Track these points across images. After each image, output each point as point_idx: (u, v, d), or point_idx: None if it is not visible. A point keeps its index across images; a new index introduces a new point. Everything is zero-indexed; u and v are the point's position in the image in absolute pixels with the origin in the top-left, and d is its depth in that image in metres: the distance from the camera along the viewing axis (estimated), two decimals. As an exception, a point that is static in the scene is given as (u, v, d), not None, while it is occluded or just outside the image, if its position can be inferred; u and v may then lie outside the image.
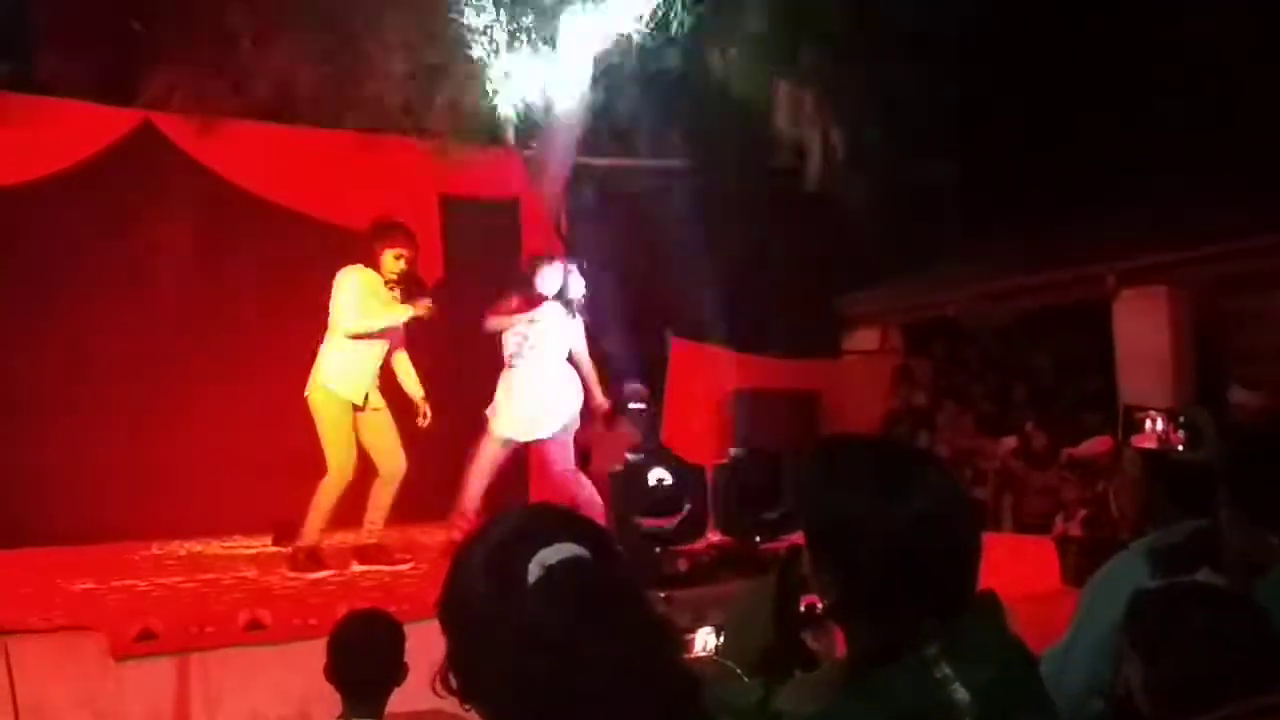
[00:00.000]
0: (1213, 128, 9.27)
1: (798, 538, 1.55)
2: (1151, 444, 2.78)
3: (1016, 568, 6.30)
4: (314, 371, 5.70)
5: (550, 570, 1.12)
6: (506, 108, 8.86)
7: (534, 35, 8.47)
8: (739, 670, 1.62)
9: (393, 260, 5.68)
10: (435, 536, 6.52)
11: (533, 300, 6.04)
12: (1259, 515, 2.10)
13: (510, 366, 6.08)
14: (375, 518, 5.80)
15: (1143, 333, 9.39)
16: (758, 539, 5.42)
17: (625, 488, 5.56)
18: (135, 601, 4.84)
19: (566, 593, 1.11)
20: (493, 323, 6.10)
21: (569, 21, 8.63)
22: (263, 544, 6.65)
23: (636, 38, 8.78)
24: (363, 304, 5.61)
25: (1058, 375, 10.53)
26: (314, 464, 5.69)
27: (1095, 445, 8.19)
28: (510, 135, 9.10)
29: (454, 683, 1.17)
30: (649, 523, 5.08)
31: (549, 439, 6.08)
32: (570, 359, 6.15)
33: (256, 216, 7.74)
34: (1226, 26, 9.10)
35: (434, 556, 6.00)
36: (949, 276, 10.81)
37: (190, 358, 7.45)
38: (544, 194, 9.17)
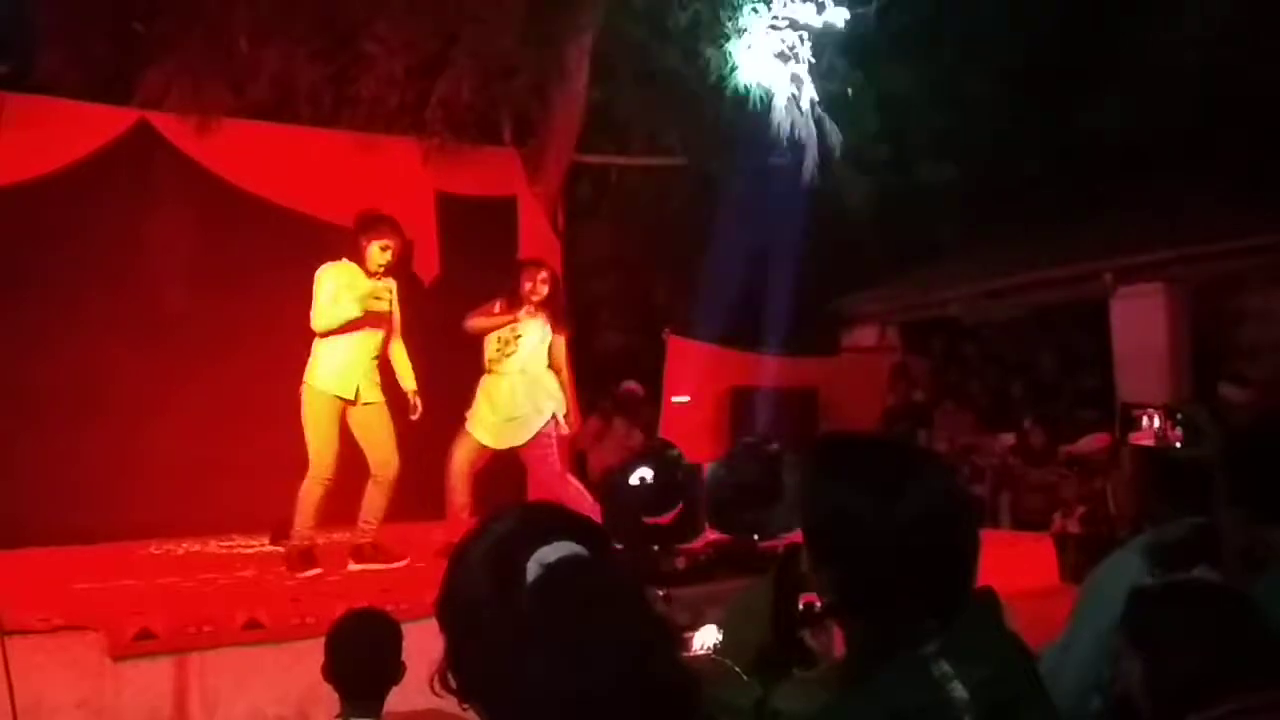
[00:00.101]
0: (1211, 126, 9.28)
1: (796, 536, 1.55)
2: (1149, 441, 2.78)
3: (1014, 565, 6.31)
4: (307, 368, 5.71)
5: (549, 569, 1.12)
6: (503, 105, 8.87)
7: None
8: (738, 668, 1.62)
9: (379, 252, 5.67)
10: (432, 535, 6.52)
11: (516, 306, 6.02)
12: (1257, 512, 2.10)
13: (489, 372, 6.07)
14: (369, 517, 5.79)
15: (1140, 330, 9.40)
16: (755, 537, 5.41)
17: (611, 487, 5.55)
18: (134, 601, 4.83)
19: (565, 591, 1.11)
20: (474, 323, 6.07)
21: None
22: (261, 543, 6.65)
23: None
24: (334, 300, 5.61)
25: (1056, 372, 10.55)
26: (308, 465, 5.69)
27: (1093, 442, 8.20)
28: (507, 133, 9.11)
29: (452, 681, 1.17)
30: (651, 520, 5.07)
31: (526, 445, 6.06)
32: (551, 367, 6.14)
33: (253, 215, 7.74)
34: (1226, 24, 9.11)
35: (431, 555, 6.00)
36: (947, 274, 10.82)
37: (188, 357, 7.45)
38: (541, 192, 9.17)
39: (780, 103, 9.18)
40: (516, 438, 6.05)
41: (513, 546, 1.16)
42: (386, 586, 5.12)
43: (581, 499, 5.95)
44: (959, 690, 1.34)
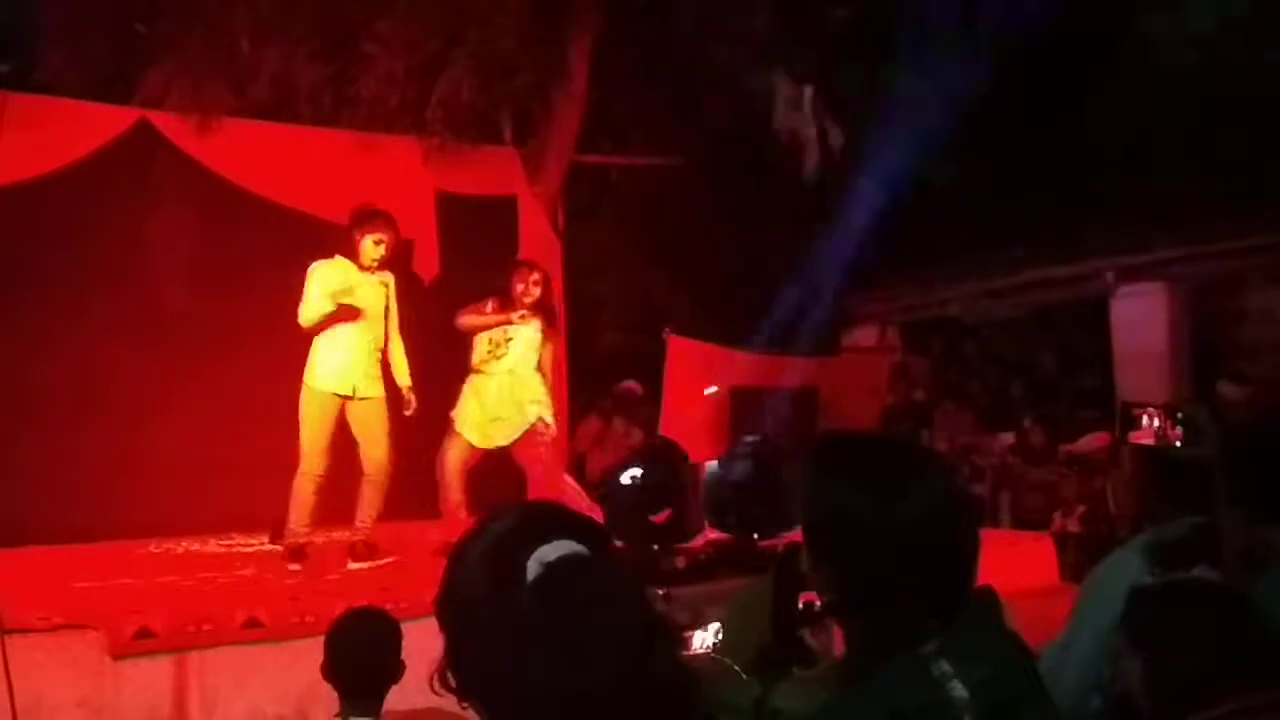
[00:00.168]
0: (1211, 125, 9.28)
1: (796, 535, 1.55)
2: (1149, 440, 2.78)
3: (1014, 564, 6.31)
4: (306, 367, 5.72)
5: (549, 567, 1.12)
6: (504, 105, 8.88)
7: None
8: (737, 667, 1.62)
9: (372, 246, 5.67)
10: (428, 534, 6.52)
11: (509, 307, 6.01)
12: (1257, 511, 2.10)
13: (477, 371, 6.04)
14: (364, 515, 5.78)
15: (1140, 330, 9.41)
16: (755, 536, 5.41)
17: (609, 486, 5.57)
18: (133, 600, 4.83)
19: (565, 590, 1.11)
20: (465, 321, 6.05)
21: None
22: (260, 542, 6.64)
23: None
24: (320, 297, 5.61)
25: (1056, 372, 10.55)
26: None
27: (1093, 441, 8.21)
28: (507, 133, 9.11)
29: (452, 680, 1.17)
30: (649, 519, 5.07)
31: (516, 444, 6.06)
32: (539, 370, 6.13)
33: (254, 215, 7.74)
34: (1226, 23, 9.11)
35: (429, 554, 6.00)
36: (947, 274, 10.82)
37: (188, 356, 7.45)
38: (541, 192, 9.17)
39: (780, 102, 9.20)
40: (503, 437, 6.04)
41: (512, 545, 1.16)
42: (386, 585, 5.12)
43: (579, 498, 5.96)
44: (959, 689, 1.34)
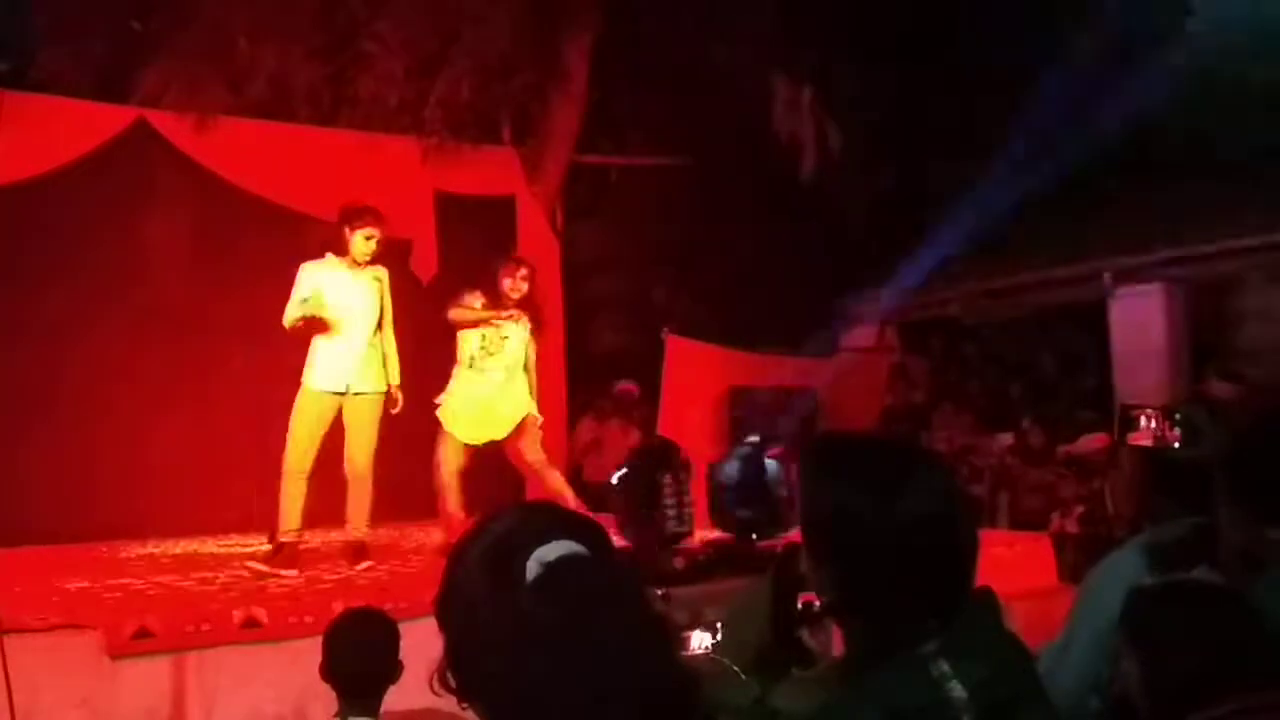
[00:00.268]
0: (1211, 125, 9.28)
1: (794, 535, 1.55)
2: (1147, 441, 2.78)
3: (1013, 565, 6.31)
4: (305, 369, 5.72)
5: (548, 567, 1.12)
6: (502, 105, 8.88)
7: None
8: (736, 668, 1.62)
9: (363, 241, 5.66)
10: (428, 535, 6.52)
11: (500, 303, 5.99)
12: (1256, 511, 2.10)
13: (469, 367, 6.01)
14: (352, 516, 5.75)
15: (1139, 330, 9.41)
16: (754, 536, 5.41)
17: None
18: (131, 600, 4.83)
19: (565, 590, 1.11)
20: (456, 315, 5.99)
21: None
22: (259, 543, 6.62)
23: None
24: (294, 302, 5.61)
25: (1054, 373, 10.55)
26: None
27: (1091, 442, 8.21)
28: (506, 133, 9.12)
29: (452, 681, 1.16)
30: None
31: (507, 439, 6.05)
32: (525, 367, 6.13)
33: (251, 214, 7.74)
34: (1224, 23, 9.11)
35: (429, 554, 6.00)
36: (946, 274, 10.81)
37: (186, 356, 7.45)
38: (540, 192, 9.17)
39: (779, 103, 9.20)
40: (497, 433, 6.04)
41: (512, 545, 1.16)
42: (384, 586, 5.12)
43: (564, 492, 5.97)
44: (958, 690, 1.34)
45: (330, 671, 2.83)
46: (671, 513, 4.45)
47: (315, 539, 6.58)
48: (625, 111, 9.65)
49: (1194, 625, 1.81)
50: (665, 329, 9.54)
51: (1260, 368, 8.61)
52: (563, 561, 1.13)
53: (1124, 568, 2.38)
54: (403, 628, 2.94)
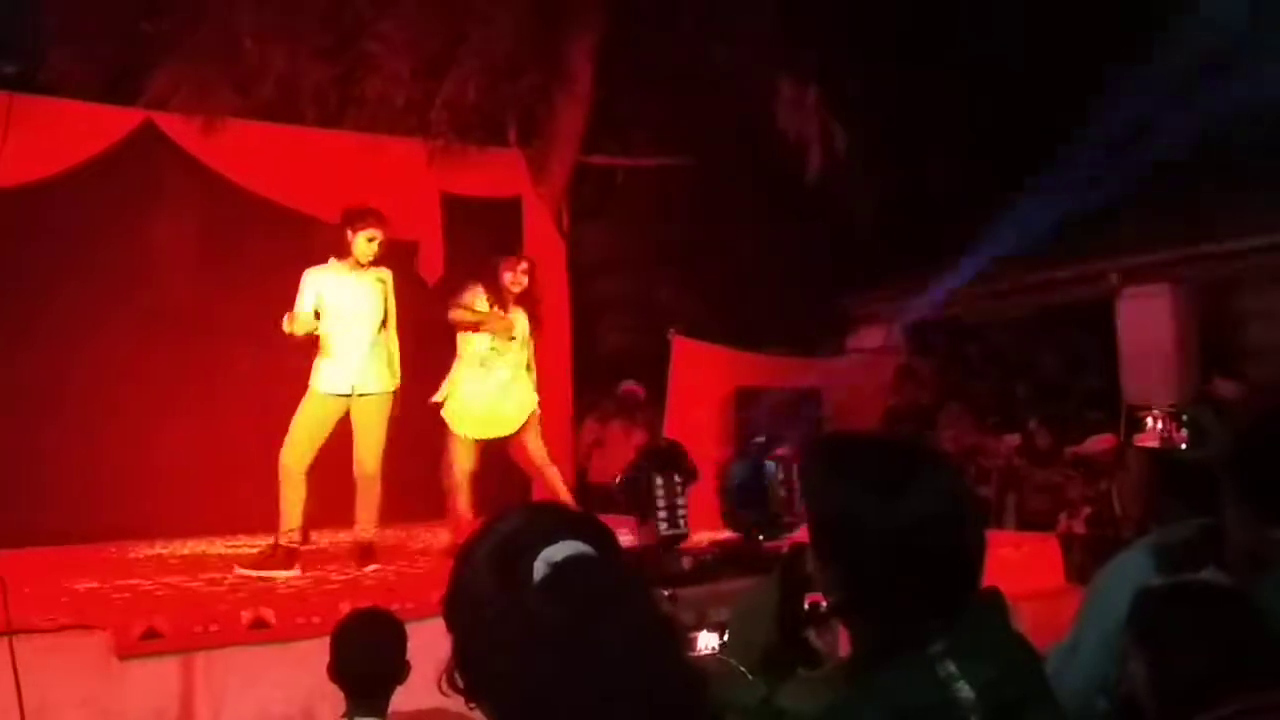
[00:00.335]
0: (1217, 125, 9.26)
1: (801, 535, 1.55)
2: (1154, 442, 2.78)
3: (1020, 565, 6.30)
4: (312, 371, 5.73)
5: (555, 568, 1.12)
6: (509, 106, 8.88)
7: None
8: (743, 668, 1.62)
9: (365, 243, 5.65)
10: (436, 535, 6.53)
11: (501, 298, 5.98)
12: (1263, 511, 2.10)
13: (480, 365, 6.00)
14: (361, 517, 5.74)
15: (1146, 330, 9.39)
16: (760, 537, 5.41)
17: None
18: (139, 601, 4.84)
19: (572, 590, 1.11)
20: (456, 316, 5.97)
21: None
22: (266, 544, 6.64)
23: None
24: (296, 308, 5.63)
25: (1061, 373, 10.53)
26: (317, 464, 5.69)
27: (1098, 443, 8.20)
28: (512, 134, 9.12)
29: (460, 681, 1.17)
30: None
31: (513, 435, 6.07)
32: (527, 365, 6.17)
33: (258, 216, 7.75)
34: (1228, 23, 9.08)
35: (436, 555, 6.00)
36: (952, 274, 10.80)
37: (194, 358, 7.46)
38: (546, 193, 9.18)
39: (783, 103, 9.19)
40: (502, 431, 6.05)
41: (519, 545, 1.16)
42: (391, 586, 5.12)
43: (560, 490, 6.01)
44: (965, 690, 1.34)
45: (338, 672, 2.84)
46: (664, 515, 4.42)
47: (323, 539, 6.60)
48: (631, 112, 9.66)
49: (1201, 626, 1.81)
50: (671, 330, 9.54)
51: (1267, 368, 8.60)
52: (570, 562, 1.13)
53: (1131, 569, 2.38)
54: (410, 628, 2.95)
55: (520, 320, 6.08)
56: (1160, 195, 9.39)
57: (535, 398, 6.16)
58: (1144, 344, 9.38)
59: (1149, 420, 2.82)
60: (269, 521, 6.31)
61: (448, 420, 5.98)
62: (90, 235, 7.32)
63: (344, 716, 2.81)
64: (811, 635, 1.60)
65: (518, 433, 6.08)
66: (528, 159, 9.16)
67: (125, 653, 4.15)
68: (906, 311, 11.06)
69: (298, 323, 5.53)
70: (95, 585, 5.23)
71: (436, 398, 5.99)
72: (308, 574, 5.48)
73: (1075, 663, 2.37)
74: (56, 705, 3.96)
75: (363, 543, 5.74)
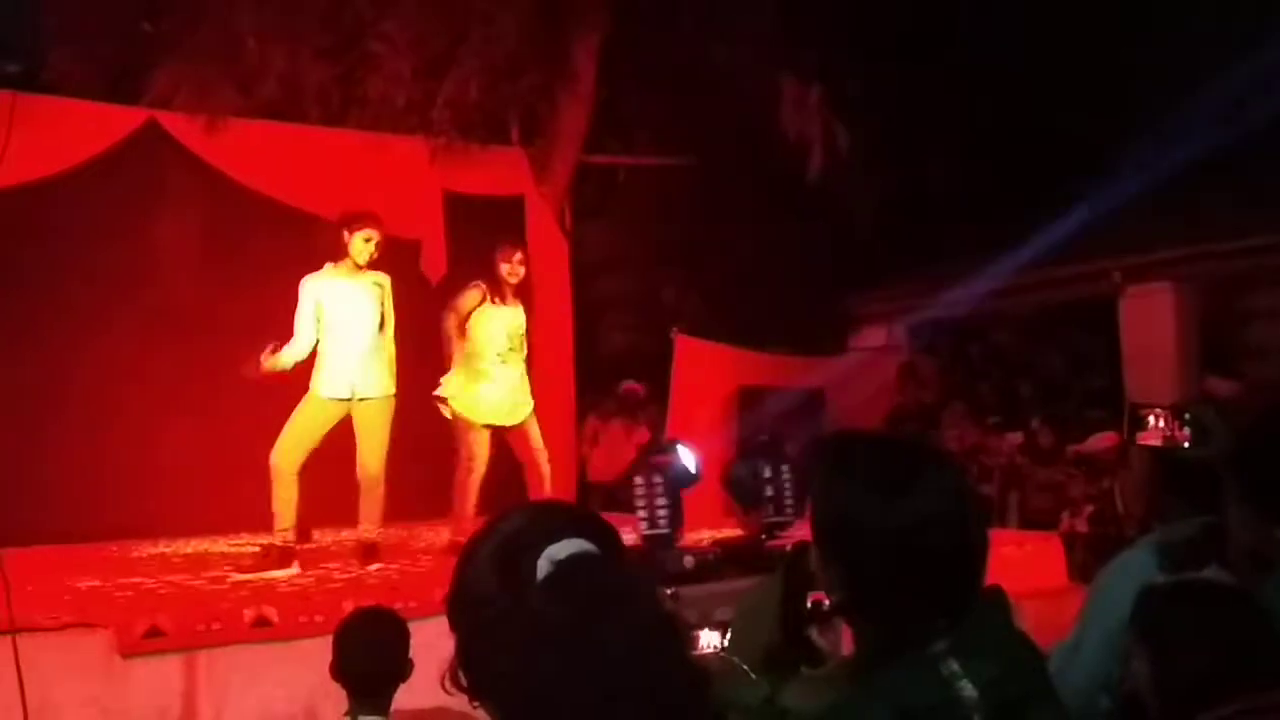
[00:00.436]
0: (1218, 124, 9.25)
1: (804, 534, 1.55)
2: (1156, 441, 2.77)
3: (1023, 564, 6.30)
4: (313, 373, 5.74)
5: (559, 566, 1.13)
6: (511, 105, 8.89)
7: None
8: (746, 667, 1.62)
9: (362, 244, 5.65)
10: (440, 534, 6.53)
11: (499, 290, 6.01)
12: (1265, 512, 2.10)
13: (503, 363, 6.02)
14: (364, 519, 5.74)
15: (1149, 329, 9.39)
16: (762, 536, 5.41)
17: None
18: (142, 599, 4.85)
19: (575, 588, 1.11)
20: (446, 326, 5.98)
21: None
22: (269, 542, 6.65)
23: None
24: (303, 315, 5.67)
25: (1064, 372, 10.53)
26: (320, 463, 5.70)
27: (1101, 441, 8.20)
28: (515, 133, 9.12)
29: (463, 680, 1.17)
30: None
31: (518, 425, 6.11)
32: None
33: (261, 215, 7.76)
34: (1230, 23, 9.08)
35: (438, 553, 6.00)
36: (954, 274, 10.80)
37: (197, 356, 7.46)
38: (548, 192, 9.18)
39: (786, 103, 9.19)
40: (516, 418, 6.10)
41: (522, 544, 1.16)
42: (394, 585, 5.12)
43: (546, 481, 6.04)
44: (968, 689, 1.34)
45: (340, 670, 2.84)
46: (644, 514, 4.44)
47: (325, 538, 6.60)
48: (633, 112, 9.66)
49: (1204, 625, 1.81)
50: (674, 329, 9.54)
51: (1269, 367, 8.59)
52: (573, 560, 1.13)
53: (1134, 567, 2.38)
54: (413, 627, 2.95)
55: (518, 315, 6.09)
56: (1162, 194, 9.39)
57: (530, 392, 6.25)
58: (1147, 343, 9.37)
59: (1151, 419, 2.81)
60: (272, 520, 6.33)
61: (464, 412, 5.98)
62: (93, 234, 7.33)
63: (347, 715, 2.81)
64: (814, 634, 1.60)
65: (525, 424, 6.13)
66: (530, 158, 9.16)
67: (128, 651, 4.15)
68: (918, 310, 11.06)
69: (279, 361, 5.55)
70: (98, 584, 5.24)
71: (442, 391, 5.99)
72: (310, 572, 5.49)
73: (1078, 661, 2.37)
74: (59, 703, 3.97)
75: (366, 542, 5.74)
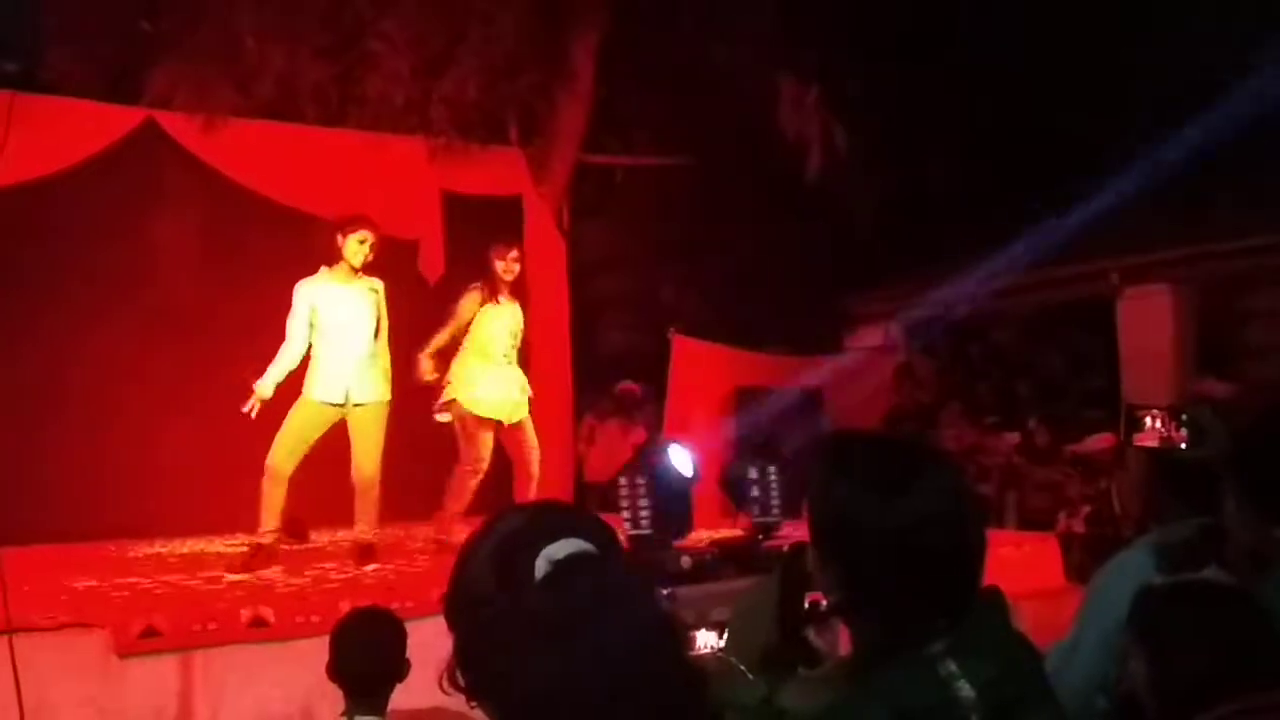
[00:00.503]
0: (1218, 124, 9.26)
1: (801, 533, 1.55)
2: (1153, 442, 2.78)
3: (1020, 564, 6.31)
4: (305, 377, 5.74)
5: (557, 566, 1.12)
6: (509, 105, 8.88)
7: None
8: (743, 667, 1.62)
9: (356, 245, 5.65)
10: (438, 533, 6.52)
11: (494, 288, 6.02)
12: (1264, 512, 2.10)
13: (509, 363, 6.07)
14: (360, 521, 5.75)
15: (1147, 330, 9.39)
16: (759, 536, 5.42)
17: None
18: (139, 599, 4.85)
19: (574, 588, 1.11)
20: (461, 323, 6.01)
21: None
22: (256, 542, 6.63)
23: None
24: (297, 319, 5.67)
25: (1062, 372, 10.53)
26: (317, 464, 5.69)
27: (1098, 442, 8.21)
28: (513, 133, 9.12)
29: (461, 680, 1.17)
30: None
31: (515, 422, 6.13)
32: None
33: (259, 215, 7.75)
34: (1229, 24, 9.09)
35: (433, 553, 6.00)
36: (952, 274, 10.80)
37: (195, 356, 7.46)
38: (547, 192, 9.18)
39: (784, 102, 9.19)
40: (517, 414, 6.13)
41: (520, 543, 1.16)
42: (391, 585, 5.12)
43: (534, 479, 6.04)
44: (965, 689, 1.34)
45: (337, 671, 2.84)
46: (627, 515, 4.44)
47: (322, 539, 6.60)
48: (631, 111, 9.65)
49: (1202, 625, 1.81)
50: (672, 329, 9.54)
51: (1268, 368, 8.60)
52: (571, 560, 1.13)
53: (1132, 568, 2.38)
54: (409, 627, 2.95)
55: (517, 313, 6.10)
56: (1161, 194, 9.39)
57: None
58: (1144, 343, 9.37)
59: (1149, 419, 2.82)
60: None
61: (469, 407, 5.98)
62: (91, 234, 7.32)
63: (343, 715, 2.81)
64: (812, 634, 1.59)
65: (522, 421, 6.16)
66: (528, 157, 9.16)
67: (124, 651, 4.15)
68: (916, 310, 11.07)
69: (263, 390, 5.57)
70: (95, 583, 5.23)
71: (446, 396, 6.00)
72: (307, 573, 5.49)
73: (1075, 661, 2.37)
74: (55, 703, 3.96)
75: (362, 543, 5.74)
